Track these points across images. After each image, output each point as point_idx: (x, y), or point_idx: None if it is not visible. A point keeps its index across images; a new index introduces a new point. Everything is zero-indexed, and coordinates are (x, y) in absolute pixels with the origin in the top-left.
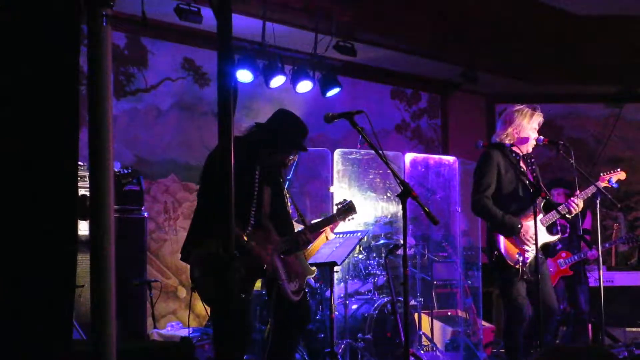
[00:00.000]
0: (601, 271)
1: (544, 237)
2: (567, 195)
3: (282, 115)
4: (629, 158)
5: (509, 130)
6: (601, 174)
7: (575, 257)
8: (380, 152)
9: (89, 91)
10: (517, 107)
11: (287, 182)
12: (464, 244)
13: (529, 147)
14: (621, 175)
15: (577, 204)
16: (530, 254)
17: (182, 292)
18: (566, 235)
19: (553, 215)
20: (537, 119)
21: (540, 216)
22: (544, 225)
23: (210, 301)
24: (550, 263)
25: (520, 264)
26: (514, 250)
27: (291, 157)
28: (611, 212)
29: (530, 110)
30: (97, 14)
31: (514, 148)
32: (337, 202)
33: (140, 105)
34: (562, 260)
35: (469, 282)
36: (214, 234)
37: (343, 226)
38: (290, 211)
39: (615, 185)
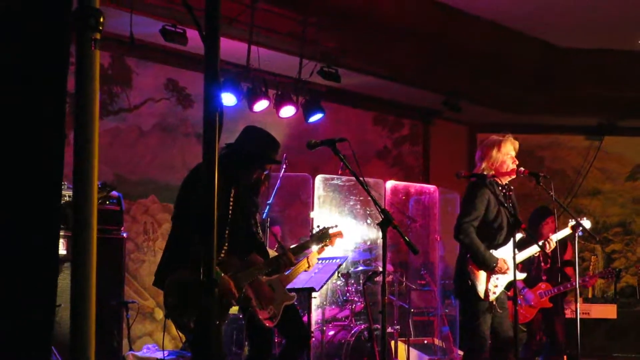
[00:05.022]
0: (578, 303)
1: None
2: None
3: (251, 131)
4: (608, 190)
5: (484, 165)
6: (570, 220)
7: (555, 290)
8: (361, 179)
9: (76, 114)
10: (486, 140)
11: (268, 207)
12: (442, 273)
13: (508, 176)
14: (586, 223)
15: (552, 241)
16: (500, 288)
17: (159, 314)
18: (548, 265)
19: (528, 252)
20: (509, 145)
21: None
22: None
23: (184, 329)
24: (530, 295)
25: (490, 296)
26: (485, 283)
27: (266, 172)
28: (589, 244)
29: (497, 139)
30: (85, 39)
31: (496, 180)
32: (316, 227)
33: (122, 124)
34: (542, 292)
35: (447, 310)
36: (193, 258)
37: (325, 251)
38: (261, 235)
39: (580, 233)
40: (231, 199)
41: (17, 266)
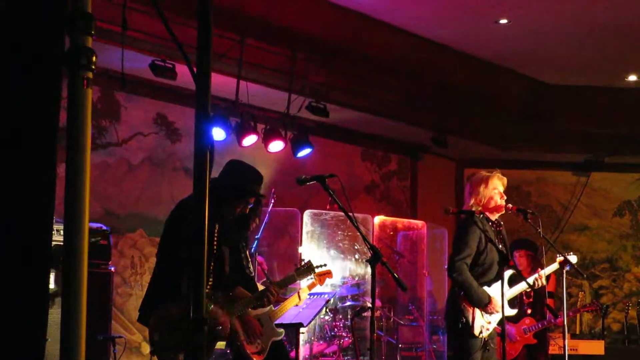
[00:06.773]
0: (566, 340)
1: (506, 311)
2: (529, 257)
3: (234, 165)
4: (595, 226)
5: (472, 201)
6: (558, 256)
7: (539, 325)
8: (351, 214)
9: (68, 150)
10: (475, 175)
11: (256, 241)
12: (430, 308)
13: (496, 212)
14: (572, 258)
15: (543, 278)
16: (492, 324)
17: (146, 348)
18: (531, 299)
19: (518, 289)
20: (496, 181)
21: (506, 288)
22: (507, 298)
23: None
24: (514, 330)
25: (484, 333)
26: (479, 319)
27: (250, 206)
28: (576, 280)
29: (485, 175)
30: (77, 77)
31: (487, 215)
32: (300, 262)
33: (111, 159)
34: (526, 327)
35: (434, 346)
36: (181, 295)
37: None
38: (251, 269)
39: (567, 267)
40: (215, 234)
41: (7, 303)
